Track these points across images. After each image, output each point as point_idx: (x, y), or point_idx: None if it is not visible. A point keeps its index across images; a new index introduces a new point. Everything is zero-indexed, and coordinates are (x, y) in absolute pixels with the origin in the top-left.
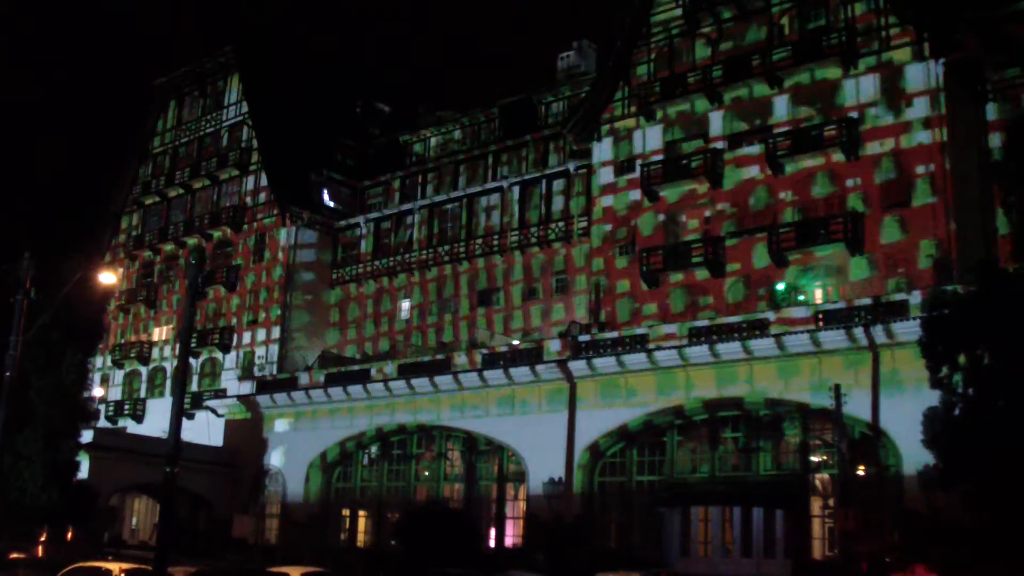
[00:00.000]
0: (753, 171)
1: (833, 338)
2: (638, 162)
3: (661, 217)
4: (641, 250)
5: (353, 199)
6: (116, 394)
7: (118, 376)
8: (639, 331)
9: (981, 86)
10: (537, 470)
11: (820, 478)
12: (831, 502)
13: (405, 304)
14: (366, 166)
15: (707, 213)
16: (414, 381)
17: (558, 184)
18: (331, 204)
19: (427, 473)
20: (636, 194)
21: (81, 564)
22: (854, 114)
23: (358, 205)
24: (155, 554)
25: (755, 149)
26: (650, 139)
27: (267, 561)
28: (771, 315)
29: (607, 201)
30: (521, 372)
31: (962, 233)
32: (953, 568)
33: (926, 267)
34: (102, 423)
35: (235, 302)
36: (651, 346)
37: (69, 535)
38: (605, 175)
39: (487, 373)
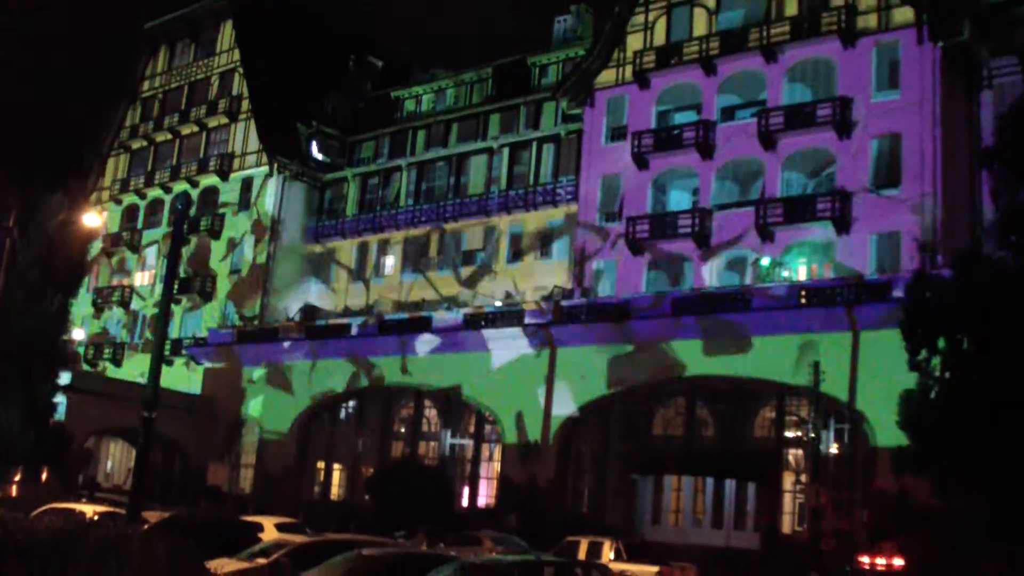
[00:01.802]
0: (744, 145)
1: (815, 316)
2: (629, 130)
3: (649, 186)
4: (628, 218)
5: (342, 153)
6: (97, 337)
7: (99, 319)
8: (621, 299)
9: (976, 73)
10: (513, 432)
11: (794, 454)
12: (803, 478)
13: (389, 260)
14: (356, 120)
15: (696, 185)
16: (394, 338)
17: (548, 148)
18: (319, 157)
19: (403, 430)
20: (626, 162)
21: (54, 505)
22: (848, 93)
23: (346, 159)
24: (129, 498)
25: (748, 123)
26: (643, 108)
27: (241, 510)
28: (754, 290)
29: (596, 167)
30: (502, 334)
31: (949, 218)
32: (920, 549)
33: (911, 250)
34: (81, 366)
35: (219, 251)
36: (632, 314)
37: (44, 476)
38: (596, 141)
39: (468, 333)
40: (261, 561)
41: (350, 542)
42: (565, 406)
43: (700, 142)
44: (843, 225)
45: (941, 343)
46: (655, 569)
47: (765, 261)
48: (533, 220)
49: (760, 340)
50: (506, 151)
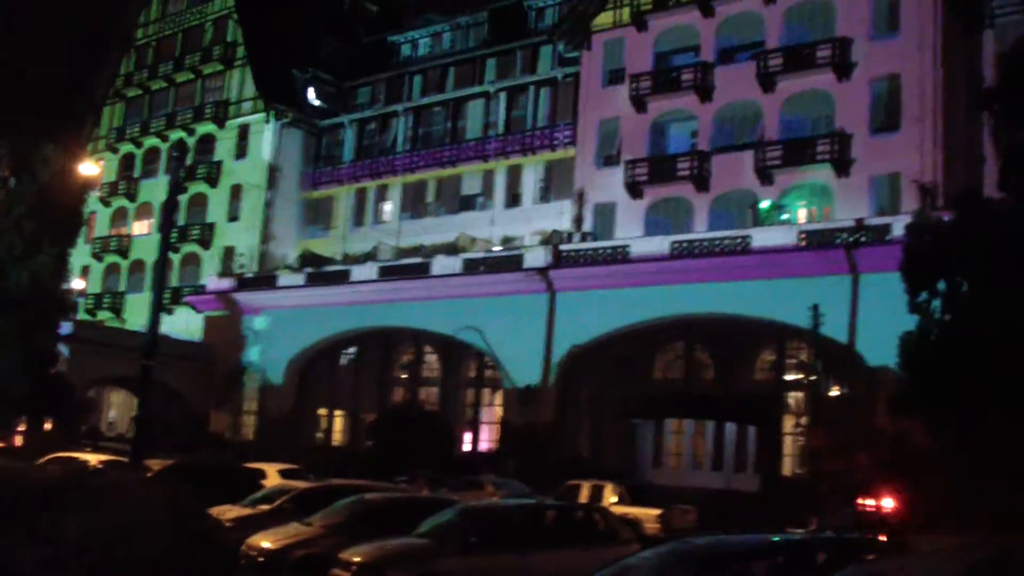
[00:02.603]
0: (743, 87)
1: (814, 259)
2: (627, 73)
3: (648, 129)
4: (626, 162)
5: (338, 99)
6: (96, 287)
7: (98, 269)
8: (620, 242)
9: (977, 13)
10: (513, 376)
11: (794, 396)
12: (803, 420)
13: (387, 206)
14: (352, 66)
15: (694, 127)
16: (394, 284)
17: (545, 92)
18: (316, 103)
19: (404, 376)
20: (624, 105)
21: (58, 455)
22: (848, 35)
23: (343, 105)
24: (131, 446)
25: (746, 65)
26: (641, 50)
27: (243, 457)
28: (754, 232)
29: (594, 111)
30: (501, 279)
31: (949, 160)
32: (917, 490)
33: (911, 192)
34: (81, 316)
35: (217, 198)
36: (632, 258)
37: (47, 426)
38: (593, 84)
39: (467, 279)
40: (264, 507)
41: (352, 487)
42: (564, 350)
43: (698, 84)
44: (842, 167)
45: (941, 285)
46: (657, 512)
47: (764, 204)
48: (531, 164)
49: (759, 283)
50: (503, 95)
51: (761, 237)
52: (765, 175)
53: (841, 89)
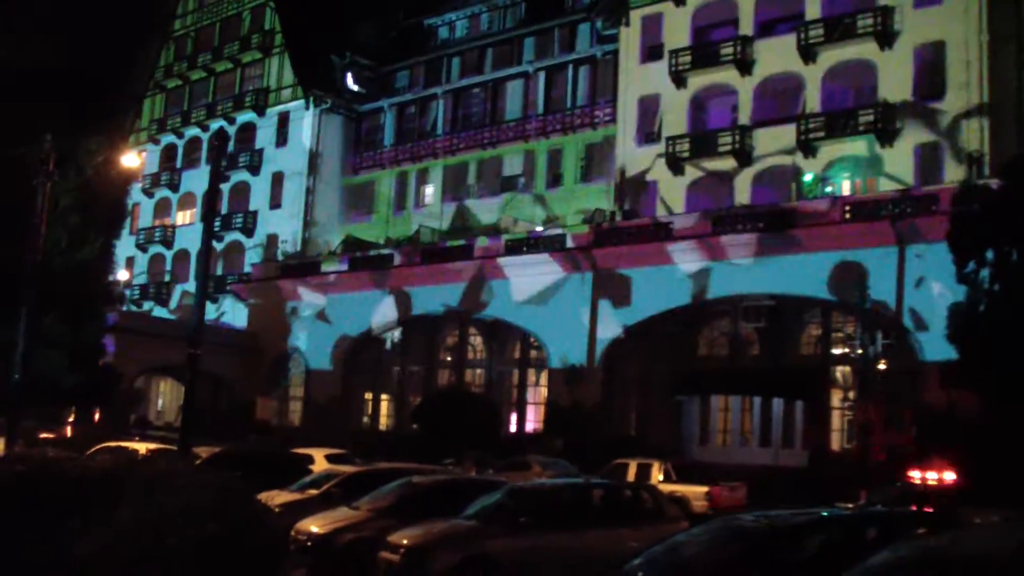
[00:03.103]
0: (784, 60)
1: (859, 231)
2: (666, 49)
3: (688, 105)
4: (667, 138)
5: (376, 83)
6: (141, 278)
7: (143, 260)
8: (662, 219)
9: None
10: (558, 356)
11: (841, 370)
12: (851, 394)
13: (429, 189)
14: (390, 50)
15: (735, 101)
16: (437, 266)
17: (584, 70)
18: (354, 88)
19: (449, 358)
20: (664, 81)
21: (108, 444)
22: (890, 3)
23: (382, 89)
24: (179, 435)
25: (787, 37)
26: (679, 25)
27: (290, 443)
28: (797, 206)
29: (634, 88)
30: (544, 258)
31: (995, 127)
32: (966, 462)
33: (958, 161)
34: (127, 307)
35: (258, 186)
36: (673, 234)
37: (96, 416)
38: (632, 61)
39: (510, 259)
40: (312, 492)
41: (399, 470)
42: (609, 329)
43: (738, 58)
44: (886, 137)
45: (989, 255)
46: (704, 489)
47: (808, 177)
48: (571, 143)
49: (804, 257)
50: (542, 75)
51: (805, 210)
52: (808, 148)
53: (884, 58)
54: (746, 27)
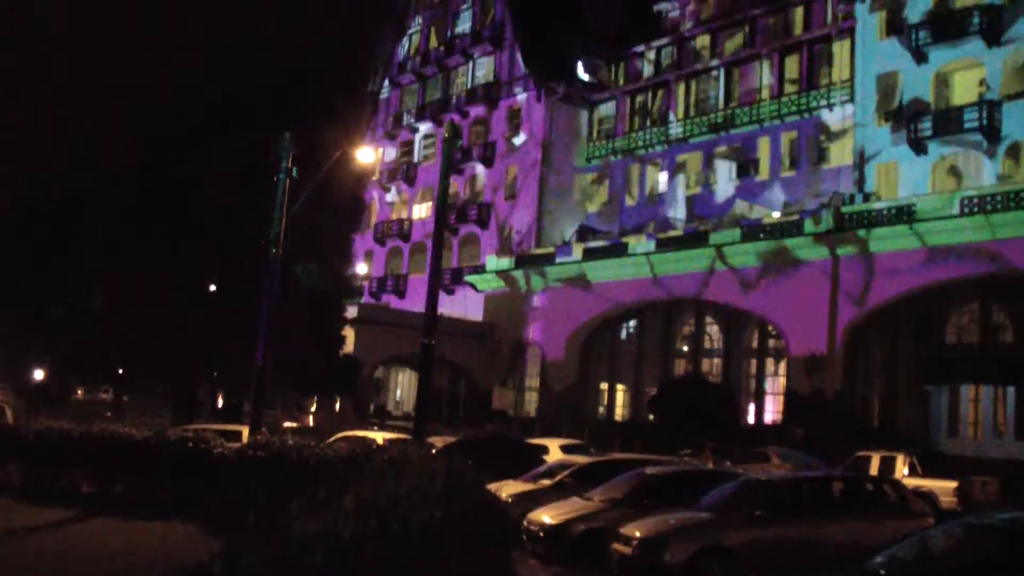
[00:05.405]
0: None
1: None
2: (906, 20)
3: (931, 80)
4: (908, 116)
5: (608, 71)
6: (379, 271)
7: (381, 253)
8: (905, 202)
9: None
10: (797, 344)
11: None
12: None
13: (662, 176)
14: (620, 37)
15: (982, 76)
16: (672, 254)
17: (820, 49)
18: (585, 77)
19: (685, 347)
20: (904, 56)
21: (347, 433)
22: None
23: (613, 77)
24: (413, 422)
25: None
26: None
27: (527, 432)
28: None
29: (872, 65)
30: (782, 244)
31: None
32: None
33: None
34: (366, 299)
35: (492, 178)
36: (918, 216)
37: (337, 406)
38: (870, 37)
39: (746, 246)
40: (545, 482)
41: (633, 461)
42: (851, 315)
43: (985, 28)
44: None
45: None
46: (953, 484)
47: None
48: (808, 125)
49: None
50: (776, 56)
51: None
52: None
53: None
54: None
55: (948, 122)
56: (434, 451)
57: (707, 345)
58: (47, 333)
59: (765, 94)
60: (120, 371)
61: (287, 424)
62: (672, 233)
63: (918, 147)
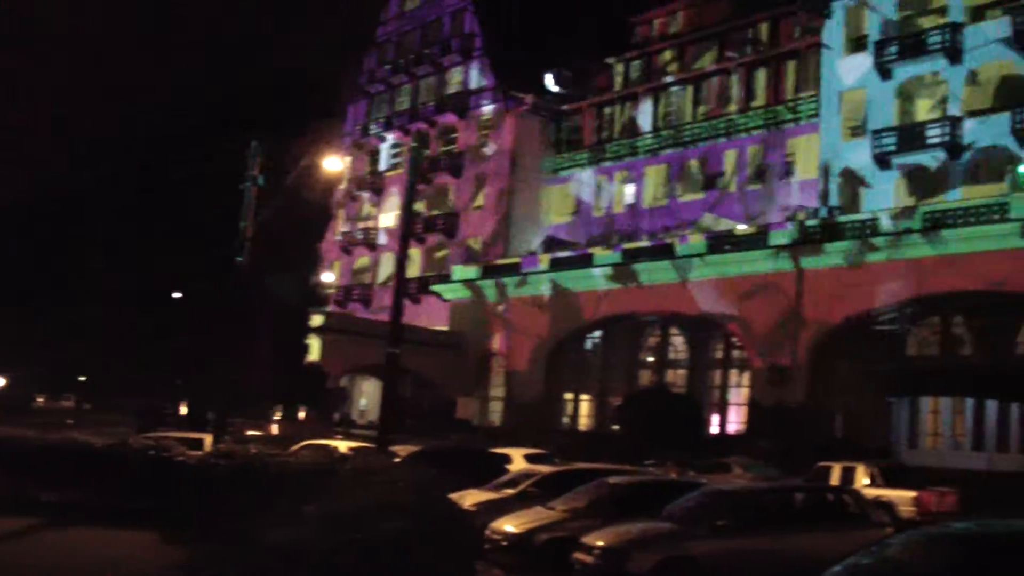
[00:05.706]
0: (996, 48)
1: None
2: (870, 39)
3: (894, 97)
4: (873, 131)
5: (576, 83)
6: (346, 279)
7: (347, 262)
8: (869, 217)
9: None
10: (762, 356)
11: None
12: None
13: (629, 188)
14: (589, 50)
15: (944, 93)
16: (637, 266)
17: (786, 65)
18: (554, 88)
19: (650, 358)
20: (868, 73)
21: (311, 441)
22: None
23: (581, 89)
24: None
25: (1000, 22)
26: (884, 13)
27: (490, 442)
28: (1012, 199)
29: (837, 81)
30: (747, 257)
31: None
32: None
33: None
34: (332, 308)
35: (460, 188)
36: (880, 231)
37: (301, 415)
38: (835, 53)
39: (711, 258)
40: (508, 491)
41: (596, 471)
42: (815, 328)
43: (947, 46)
44: None
45: None
46: (912, 494)
47: (1023, 168)
48: (774, 139)
49: (1021, 252)
50: (743, 70)
51: (1021, 204)
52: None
53: None
54: (955, 13)
55: (912, 138)
56: (397, 460)
57: (672, 356)
58: (9, 341)
59: (733, 108)
60: (82, 379)
61: (250, 432)
62: (638, 244)
63: (883, 162)
